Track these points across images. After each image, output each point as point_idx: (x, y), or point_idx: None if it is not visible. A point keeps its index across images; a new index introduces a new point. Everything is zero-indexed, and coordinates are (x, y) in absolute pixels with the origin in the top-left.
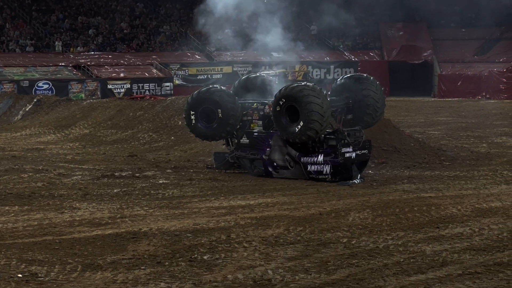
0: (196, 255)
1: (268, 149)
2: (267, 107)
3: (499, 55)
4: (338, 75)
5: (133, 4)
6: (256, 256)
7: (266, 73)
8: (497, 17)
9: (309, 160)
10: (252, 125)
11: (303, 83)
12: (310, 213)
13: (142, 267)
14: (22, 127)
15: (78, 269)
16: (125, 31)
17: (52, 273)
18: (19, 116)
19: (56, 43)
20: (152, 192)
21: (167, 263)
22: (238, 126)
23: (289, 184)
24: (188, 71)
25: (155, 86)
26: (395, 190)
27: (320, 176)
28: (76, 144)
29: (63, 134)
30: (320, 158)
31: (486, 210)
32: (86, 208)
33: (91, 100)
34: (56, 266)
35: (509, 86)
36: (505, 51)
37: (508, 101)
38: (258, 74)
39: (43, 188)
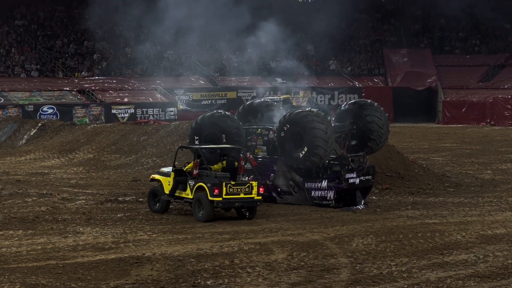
0: (199, 280)
1: (272, 174)
2: (271, 132)
3: (504, 81)
4: (342, 101)
5: (138, 29)
6: (259, 282)
7: (270, 99)
8: (501, 43)
9: (313, 185)
10: (256, 151)
11: (307, 109)
12: (313, 239)
13: None
14: (26, 152)
15: None
16: (129, 56)
17: None
18: (24, 141)
19: (61, 68)
20: (155, 217)
21: None
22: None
23: (292, 210)
24: (192, 96)
25: (159, 111)
26: (399, 216)
27: (324, 202)
28: (80, 169)
29: (67, 158)
30: (324, 183)
31: (491, 237)
32: (90, 233)
33: (95, 125)
34: None
35: None
36: (509, 78)
37: None
38: (262, 99)
39: (47, 212)
